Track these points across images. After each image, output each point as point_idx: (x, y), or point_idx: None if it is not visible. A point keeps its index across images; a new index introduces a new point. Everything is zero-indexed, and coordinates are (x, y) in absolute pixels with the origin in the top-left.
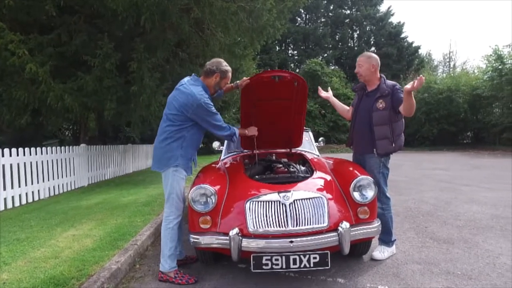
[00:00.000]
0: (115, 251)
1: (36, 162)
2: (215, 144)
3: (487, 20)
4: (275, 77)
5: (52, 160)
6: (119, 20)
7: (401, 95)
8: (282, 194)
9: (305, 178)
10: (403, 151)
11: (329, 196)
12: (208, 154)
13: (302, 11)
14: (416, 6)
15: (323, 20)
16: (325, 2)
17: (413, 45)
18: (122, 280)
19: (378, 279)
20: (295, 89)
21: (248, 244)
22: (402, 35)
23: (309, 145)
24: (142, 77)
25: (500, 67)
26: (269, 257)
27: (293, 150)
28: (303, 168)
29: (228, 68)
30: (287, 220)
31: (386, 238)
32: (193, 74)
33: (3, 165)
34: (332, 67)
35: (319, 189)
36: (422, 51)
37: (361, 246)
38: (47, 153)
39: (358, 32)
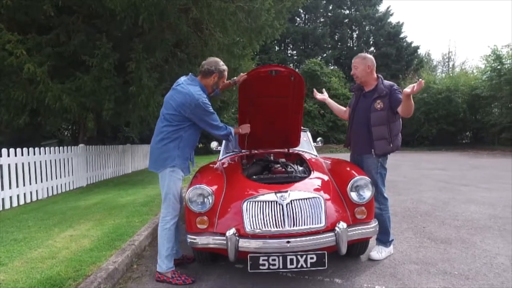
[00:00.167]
0: (112, 252)
1: (35, 163)
2: (213, 144)
3: (486, 20)
4: (272, 71)
5: (51, 160)
6: (117, 20)
7: (399, 95)
8: (279, 194)
9: (302, 178)
10: (402, 151)
11: (327, 196)
12: (207, 154)
13: (301, 11)
14: (415, 6)
15: (322, 20)
16: (324, 2)
17: (412, 45)
18: (119, 281)
19: (375, 279)
20: (292, 84)
21: (245, 244)
22: (401, 35)
23: (307, 145)
24: (141, 77)
25: (499, 67)
26: (266, 258)
27: (291, 150)
28: (300, 168)
29: (225, 67)
30: (284, 220)
31: (383, 238)
32: (190, 73)
33: (1, 166)
34: (331, 67)
35: (316, 189)
36: (421, 51)
37: (358, 246)
38: (45, 153)
39: (357, 32)
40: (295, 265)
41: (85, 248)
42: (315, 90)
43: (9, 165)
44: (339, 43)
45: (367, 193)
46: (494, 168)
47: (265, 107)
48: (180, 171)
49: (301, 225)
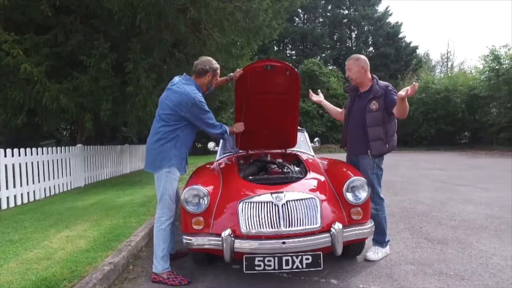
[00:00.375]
0: (108, 252)
1: (32, 163)
2: (210, 145)
3: (484, 21)
4: (267, 66)
5: (48, 161)
6: (115, 20)
7: (394, 96)
8: (275, 195)
9: (298, 179)
10: (400, 151)
11: (322, 197)
12: (205, 154)
13: (300, 11)
14: (414, 6)
15: (321, 20)
16: (323, 2)
17: (411, 45)
18: (115, 281)
19: (371, 280)
20: (288, 81)
21: (241, 245)
22: (400, 35)
23: (304, 146)
24: (138, 78)
25: (497, 67)
26: (261, 258)
27: (288, 151)
28: (297, 168)
29: (218, 65)
30: (279, 221)
31: (380, 238)
32: (184, 73)
33: None
34: (330, 67)
35: (312, 190)
36: (420, 51)
37: (354, 247)
38: (42, 154)
39: (356, 32)
40: (290, 266)
41: (81, 249)
42: (310, 92)
43: (6, 165)
44: (338, 43)
45: (363, 194)
46: (492, 168)
47: (261, 104)
48: (176, 171)
49: (297, 226)
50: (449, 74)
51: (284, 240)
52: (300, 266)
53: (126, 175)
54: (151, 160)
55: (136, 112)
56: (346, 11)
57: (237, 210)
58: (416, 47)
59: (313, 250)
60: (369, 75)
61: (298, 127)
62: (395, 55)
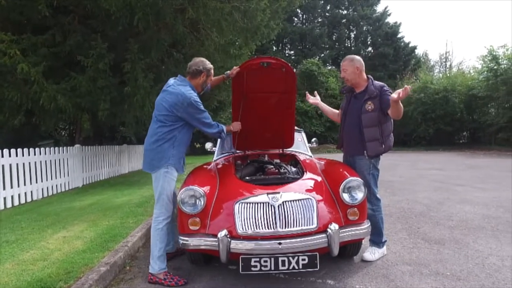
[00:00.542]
0: (105, 253)
1: (29, 163)
2: (208, 145)
3: (483, 21)
4: (264, 63)
5: (46, 161)
6: (112, 20)
7: (389, 96)
8: (271, 196)
9: (295, 179)
10: (399, 151)
11: (319, 197)
12: (204, 154)
13: (299, 11)
14: (412, 7)
15: (320, 20)
16: (322, 2)
17: (410, 45)
18: (111, 282)
19: (367, 280)
20: (284, 77)
21: (237, 245)
22: (399, 35)
23: (302, 146)
24: (136, 78)
25: (495, 67)
26: (257, 259)
27: (286, 151)
28: (294, 169)
29: (211, 65)
30: (276, 221)
31: (376, 239)
32: (178, 75)
33: None
34: (329, 67)
35: (308, 190)
36: (419, 51)
37: (351, 248)
38: (40, 154)
39: (355, 32)
40: (286, 266)
41: (77, 249)
42: (307, 94)
43: (3, 166)
44: (337, 43)
45: (359, 194)
46: (490, 168)
47: (258, 102)
48: (174, 171)
49: (293, 227)
50: (448, 74)
51: (281, 241)
52: (296, 267)
53: (124, 175)
54: (149, 160)
55: (134, 112)
56: (345, 11)
57: (234, 211)
58: (414, 47)
59: (309, 250)
60: (365, 76)
61: (296, 127)
62: (394, 55)
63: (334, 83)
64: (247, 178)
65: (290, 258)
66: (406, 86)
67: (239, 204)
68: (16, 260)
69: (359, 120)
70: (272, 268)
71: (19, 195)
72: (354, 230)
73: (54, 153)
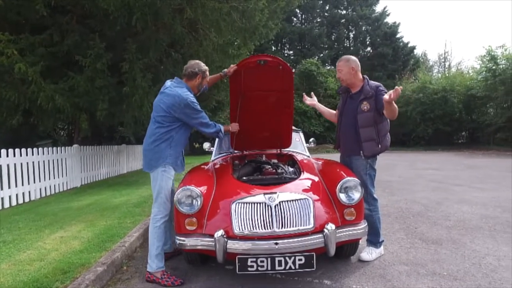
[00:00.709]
0: (102, 253)
1: (27, 163)
2: (205, 145)
3: (481, 21)
4: (261, 61)
5: (44, 161)
6: (110, 20)
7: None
8: (268, 196)
9: (292, 179)
10: (398, 151)
11: (316, 197)
12: (203, 154)
13: (298, 11)
14: (411, 7)
15: (319, 20)
16: (321, 2)
17: (409, 45)
18: (108, 282)
19: (364, 280)
20: (281, 75)
21: (234, 245)
22: (398, 35)
23: (299, 146)
24: (134, 78)
25: (493, 67)
26: (254, 259)
27: (284, 151)
28: (291, 169)
29: (207, 67)
30: (272, 221)
31: (373, 239)
32: (175, 77)
33: None
34: (328, 67)
35: (305, 190)
36: (418, 51)
37: (348, 248)
38: (38, 154)
39: (354, 32)
40: (283, 266)
41: (74, 249)
42: (304, 95)
43: (1, 166)
44: (336, 43)
45: (356, 195)
46: (488, 168)
47: (256, 101)
48: (172, 170)
49: (290, 227)
50: (447, 74)
51: (277, 241)
52: (293, 267)
53: (123, 175)
54: (147, 160)
55: (132, 112)
56: (344, 11)
57: (230, 211)
58: (413, 47)
59: (306, 250)
60: (360, 76)
61: (294, 127)
62: (392, 55)
63: (333, 83)
64: (244, 178)
65: (287, 258)
66: (397, 87)
67: (236, 204)
68: (13, 260)
69: (355, 120)
70: (269, 268)
71: (17, 195)
72: (351, 230)
73: (52, 153)
